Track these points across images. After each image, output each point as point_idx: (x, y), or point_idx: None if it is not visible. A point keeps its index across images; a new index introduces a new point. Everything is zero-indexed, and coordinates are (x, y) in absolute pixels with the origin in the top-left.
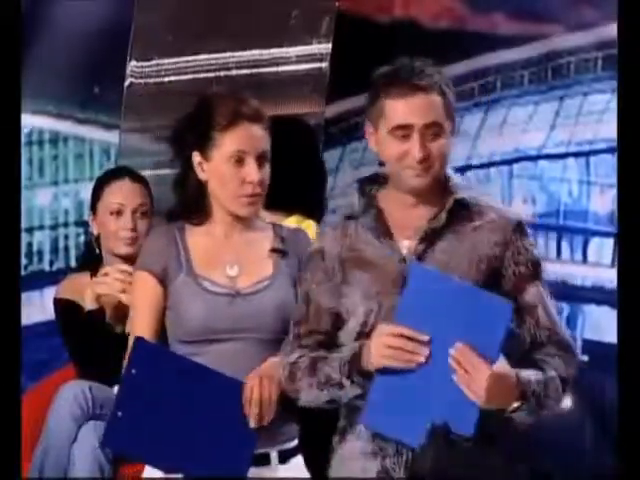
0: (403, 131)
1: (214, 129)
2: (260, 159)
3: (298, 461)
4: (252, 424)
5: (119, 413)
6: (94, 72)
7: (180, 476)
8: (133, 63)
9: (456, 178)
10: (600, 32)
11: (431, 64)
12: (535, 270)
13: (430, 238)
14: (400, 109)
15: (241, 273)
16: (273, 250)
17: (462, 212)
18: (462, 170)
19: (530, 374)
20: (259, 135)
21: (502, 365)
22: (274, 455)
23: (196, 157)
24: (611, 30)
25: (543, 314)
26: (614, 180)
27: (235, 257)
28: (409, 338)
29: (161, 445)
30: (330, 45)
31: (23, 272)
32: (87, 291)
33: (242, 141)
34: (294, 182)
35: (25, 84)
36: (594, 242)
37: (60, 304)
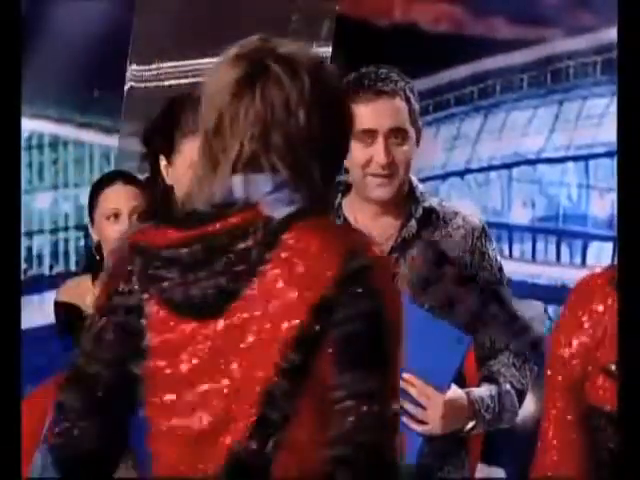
0: (368, 136)
1: (176, 135)
2: None
3: None
4: None
5: None
6: (94, 76)
7: None
8: (133, 67)
9: (421, 186)
10: (599, 36)
11: (396, 71)
12: (498, 275)
13: (401, 247)
14: (365, 114)
15: None
16: None
17: (430, 220)
18: (461, 174)
19: (483, 391)
20: None
21: (452, 389)
22: None
23: (162, 161)
24: (610, 34)
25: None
26: (613, 184)
27: None
28: None
29: None
30: (330, 49)
31: (23, 276)
32: (89, 295)
33: None
34: None
35: (25, 88)
36: (593, 246)
37: (61, 307)
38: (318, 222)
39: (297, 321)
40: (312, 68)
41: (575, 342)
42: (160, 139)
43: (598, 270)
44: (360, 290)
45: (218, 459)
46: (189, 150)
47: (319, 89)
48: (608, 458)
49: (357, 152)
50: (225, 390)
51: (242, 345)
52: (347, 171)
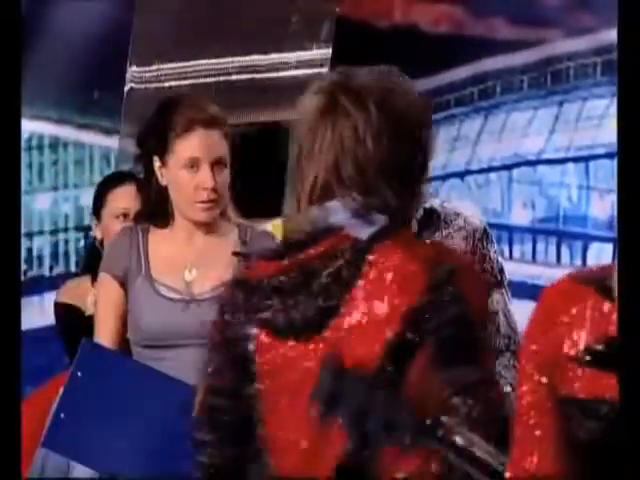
0: None
1: (170, 135)
2: (216, 165)
3: None
4: None
5: (62, 415)
6: (94, 77)
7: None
8: (133, 68)
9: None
10: (599, 37)
11: (396, 69)
12: (499, 277)
13: None
14: None
15: (199, 278)
16: (235, 254)
17: (431, 221)
18: (462, 175)
19: None
20: (215, 141)
21: None
22: None
23: (156, 162)
24: (610, 35)
25: (504, 321)
26: (613, 185)
27: (195, 261)
28: None
29: (105, 448)
30: (330, 50)
31: (23, 277)
32: (89, 295)
33: (196, 148)
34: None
35: (25, 89)
36: (593, 247)
37: (61, 308)
38: (400, 238)
39: (390, 333)
40: (379, 96)
41: (548, 339)
42: (154, 140)
43: (572, 272)
44: (448, 296)
45: (327, 469)
46: (182, 150)
47: (387, 116)
48: (581, 446)
49: None
50: None
51: (345, 358)
52: None
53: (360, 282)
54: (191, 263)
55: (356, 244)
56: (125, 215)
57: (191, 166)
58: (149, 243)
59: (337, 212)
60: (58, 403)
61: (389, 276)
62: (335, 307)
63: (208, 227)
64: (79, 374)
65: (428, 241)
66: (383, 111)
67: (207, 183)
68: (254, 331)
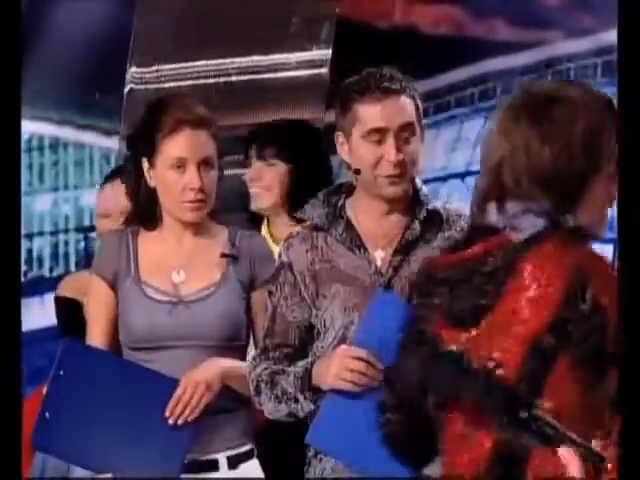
0: (378, 135)
1: (157, 136)
2: (203, 165)
3: (250, 466)
4: (171, 421)
5: (47, 414)
6: (94, 78)
7: (109, 476)
8: (133, 69)
9: (425, 188)
10: (599, 38)
11: (397, 71)
12: None
13: (405, 249)
14: (375, 112)
15: (187, 279)
16: (223, 255)
17: (434, 222)
18: (462, 176)
19: None
20: (202, 141)
21: None
22: (222, 461)
23: (144, 164)
24: (610, 36)
25: None
26: None
27: (183, 263)
28: (367, 362)
29: (92, 445)
30: (330, 51)
31: (23, 278)
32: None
33: (182, 148)
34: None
35: (25, 90)
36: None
37: (61, 302)
38: (553, 245)
39: (534, 335)
40: (545, 109)
41: None
42: (142, 142)
43: None
44: (588, 307)
45: (481, 460)
46: (169, 150)
47: (550, 128)
48: None
49: (366, 152)
50: None
51: (491, 354)
52: (358, 172)
53: (510, 285)
54: (179, 265)
55: (511, 247)
56: (122, 213)
57: (178, 166)
58: (139, 245)
59: (494, 214)
60: (42, 403)
61: (536, 282)
62: (488, 306)
63: (197, 228)
64: (61, 373)
65: (579, 249)
66: (548, 123)
67: (194, 183)
68: (430, 316)
